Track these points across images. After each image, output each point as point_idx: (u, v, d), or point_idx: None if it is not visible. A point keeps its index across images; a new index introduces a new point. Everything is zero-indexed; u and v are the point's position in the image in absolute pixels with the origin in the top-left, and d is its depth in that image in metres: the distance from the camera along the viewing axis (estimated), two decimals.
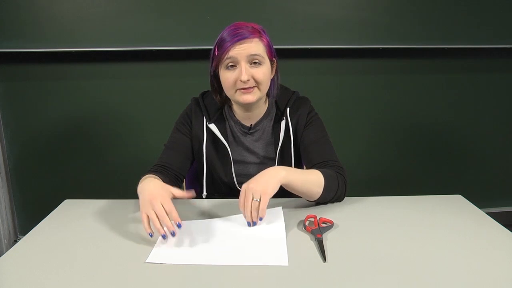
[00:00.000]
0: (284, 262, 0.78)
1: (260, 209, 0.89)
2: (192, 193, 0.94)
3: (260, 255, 0.80)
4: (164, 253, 0.81)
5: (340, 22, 2.01)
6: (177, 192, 0.92)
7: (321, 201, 1.04)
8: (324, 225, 0.92)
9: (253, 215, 0.90)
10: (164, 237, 0.84)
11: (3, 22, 1.86)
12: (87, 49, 1.91)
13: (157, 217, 0.84)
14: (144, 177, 1.04)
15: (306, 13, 1.98)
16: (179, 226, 0.85)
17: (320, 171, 1.01)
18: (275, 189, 0.92)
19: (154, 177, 1.03)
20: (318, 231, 0.88)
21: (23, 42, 1.89)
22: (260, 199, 0.89)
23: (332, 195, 1.02)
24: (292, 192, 1.01)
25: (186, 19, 1.93)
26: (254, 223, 0.91)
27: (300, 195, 1.02)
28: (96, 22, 1.90)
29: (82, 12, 1.88)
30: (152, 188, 0.91)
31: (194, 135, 1.16)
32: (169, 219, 0.84)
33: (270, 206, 1.03)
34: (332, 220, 0.94)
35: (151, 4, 1.91)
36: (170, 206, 0.86)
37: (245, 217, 0.92)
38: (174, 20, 1.93)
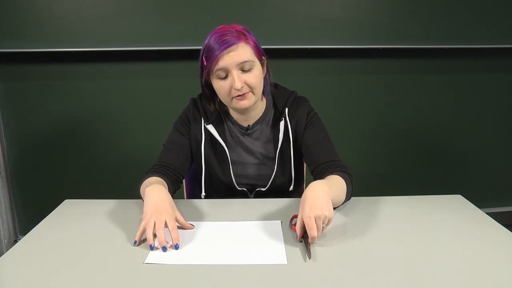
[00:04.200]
0: (283, 260, 0.78)
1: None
2: (192, 226, 0.93)
3: (259, 254, 0.81)
4: (162, 253, 0.81)
5: (340, 22, 2.01)
6: (180, 218, 0.92)
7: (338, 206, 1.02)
8: None
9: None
10: (151, 247, 0.82)
11: (3, 22, 1.86)
12: (87, 49, 1.91)
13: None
14: (148, 179, 1.04)
15: (306, 13, 1.98)
16: (176, 247, 0.83)
17: (341, 176, 1.00)
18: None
19: (158, 180, 1.03)
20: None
21: (23, 42, 1.89)
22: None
23: (347, 198, 1.03)
24: None
25: (186, 19, 1.93)
26: None
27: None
28: (96, 22, 1.90)
29: (82, 12, 1.88)
30: (160, 200, 0.90)
31: (193, 136, 1.16)
32: (164, 237, 0.83)
33: (268, 208, 1.03)
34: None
35: (151, 4, 1.91)
36: (173, 225, 0.86)
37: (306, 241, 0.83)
38: (174, 20, 1.93)
